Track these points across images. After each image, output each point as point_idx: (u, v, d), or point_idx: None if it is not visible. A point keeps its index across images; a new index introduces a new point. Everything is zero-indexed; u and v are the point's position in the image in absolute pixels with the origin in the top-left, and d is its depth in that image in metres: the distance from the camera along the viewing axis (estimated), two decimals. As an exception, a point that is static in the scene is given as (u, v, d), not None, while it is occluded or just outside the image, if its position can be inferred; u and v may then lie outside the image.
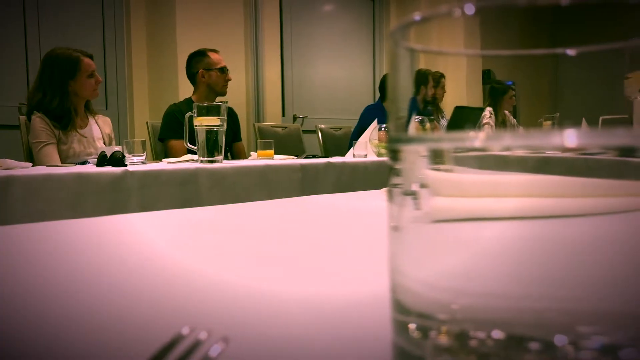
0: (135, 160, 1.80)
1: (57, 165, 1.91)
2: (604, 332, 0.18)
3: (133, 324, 0.29)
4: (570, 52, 0.19)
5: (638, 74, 0.19)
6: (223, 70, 2.71)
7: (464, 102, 0.21)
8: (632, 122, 0.19)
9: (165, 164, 1.86)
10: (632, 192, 0.18)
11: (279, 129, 3.57)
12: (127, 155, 1.78)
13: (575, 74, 0.20)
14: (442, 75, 0.21)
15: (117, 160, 1.70)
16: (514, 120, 0.20)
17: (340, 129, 3.74)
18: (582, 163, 0.19)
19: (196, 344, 0.25)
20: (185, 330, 0.26)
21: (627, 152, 0.18)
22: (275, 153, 2.25)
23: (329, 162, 2.01)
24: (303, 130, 3.79)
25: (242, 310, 0.31)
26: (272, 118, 4.26)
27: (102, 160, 1.72)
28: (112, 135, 2.57)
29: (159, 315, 0.30)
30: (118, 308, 0.32)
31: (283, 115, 4.47)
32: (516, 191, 0.20)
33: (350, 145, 2.62)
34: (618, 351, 0.18)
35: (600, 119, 0.19)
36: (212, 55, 2.71)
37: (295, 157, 2.34)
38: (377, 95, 4.27)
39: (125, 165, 1.67)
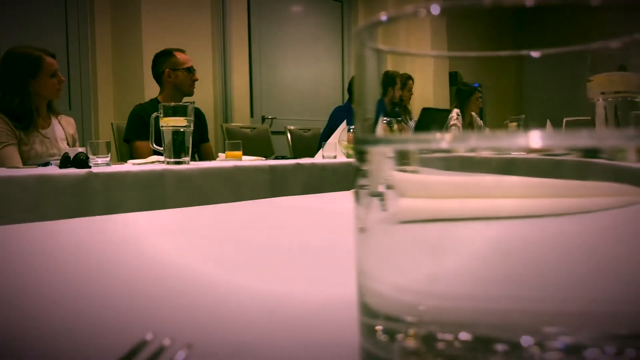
0: (99, 162, 1.76)
1: (18, 167, 1.86)
2: (568, 332, 0.19)
3: (94, 332, 0.28)
4: (535, 54, 0.19)
5: (600, 76, 0.19)
6: (190, 70, 2.68)
7: (431, 104, 0.21)
8: (594, 124, 0.19)
9: (131, 166, 1.83)
10: (595, 193, 0.19)
11: (248, 130, 3.54)
12: (91, 156, 1.74)
13: (540, 76, 0.20)
14: (409, 77, 0.21)
15: (81, 161, 1.66)
16: (480, 122, 0.20)
17: (310, 130, 3.74)
18: (547, 164, 0.19)
19: (160, 351, 0.24)
20: (148, 337, 0.25)
21: (590, 153, 0.18)
22: (244, 154, 2.24)
23: (298, 164, 2.01)
24: (272, 131, 3.77)
25: (207, 316, 0.30)
26: (240, 119, 4.23)
27: (65, 162, 1.68)
28: (76, 136, 2.51)
29: (122, 321, 0.30)
30: (78, 315, 0.31)
31: (251, 116, 4.44)
32: (482, 192, 0.20)
33: (320, 147, 2.62)
34: (583, 351, 0.18)
35: (564, 120, 0.19)
36: (179, 55, 2.68)
37: (263, 158, 2.33)
38: (346, 96, 4.29)
39: (89, 167, 1.63)
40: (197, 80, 2.74)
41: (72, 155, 1.69)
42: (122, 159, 2.65)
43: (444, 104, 0.20)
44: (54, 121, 2.37)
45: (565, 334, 0.19)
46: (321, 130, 3.51)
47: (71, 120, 2.52)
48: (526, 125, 0.19)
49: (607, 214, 0.19)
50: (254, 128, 3.66)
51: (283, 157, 2.42)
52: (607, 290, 0.19)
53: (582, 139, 0.18)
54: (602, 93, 0.19)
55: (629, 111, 0.19)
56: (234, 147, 2.21)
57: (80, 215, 0.73)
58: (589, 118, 0.19)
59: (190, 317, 0.30)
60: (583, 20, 0.19)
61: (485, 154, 0.19)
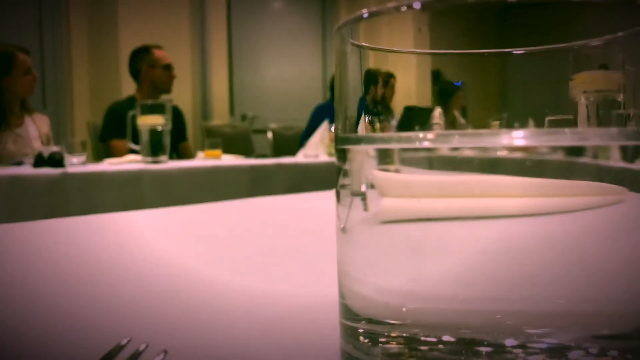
0: (75, 161, 1.73)
1: (-10, 167, 1.81)
2: (552, 333, 0.19)
3: (67, 337, 0.27)
4: (518, 52, 0.19)
5: (582, 75, 0.19)
6: (168, 68, 2.65)
7: (413, 102, 0.21)
8: (576, 123, 0.19)
9: (107, 165, 1.81)
10: (578, 192, 0.19)
11: (228, 128, 3.52)
12: (66, 155, 1.71)
13: (523, 74, 0.20)
14: (391, 75, 0.21)
15: (56, 161, 1.63)
16: (463, 121, 0.19)
17: (291, 128, 3.72)
18: (529, 163, 0.19)
19: (135, 355, 0.23)
20: (124, 341, 0.25)
21: (573, 152, 0.18)
22: (224, 153, 2.22)
23: (279, 163, 2.00)
24: (252, 130, 3.75)
25: (183, 319, 0.29)
26: (220, 117, 4.19)
27: (40, 161, 1.65)
28: (50, 135, 2.45)
29: (98, 325, 0.29)
30: (53, 318, 0.30)
31: (231, 114, 4.41)
32: (465, 192, 0.20)
33: (301, 145, 2.62)
34: (567, 352, 0.18)
35: (547, 119, 0.19)
36: (157, 52, 2.65)
37: (244, 157, 2.32)
38: (328, 94, 4.28)
39: (64, 167, 1.61)
40: (175, 77, 2.71)
41: (46, 154, 1.66)
42: (98, 158, 2.61)
43: (427, 102, 0.20)
44: (28, 120, 2.33)
45: (549, 335, 0.18)
46: (303, 129, 3.50)
47: (45, 118, 2.47)
48: (509, 124, 0.19)
49: (590, 213, 0.19)
50: (234, 126, 3.63)
51: (264, 156, 2.41)
52: (590, 291, 0.19)
53: (565, 138, 0.18)
54: (584, 92, 0.19)
55: (611, 110, 0.19)
56: (214, 146, 2.19)
57: (55, 216, 0.71)
58: (572, 117, 0.19)
59: (167, 321, 0.29)
60: (566, 18, 0.19)
61: (468, 153, 0.19)
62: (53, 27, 3.75)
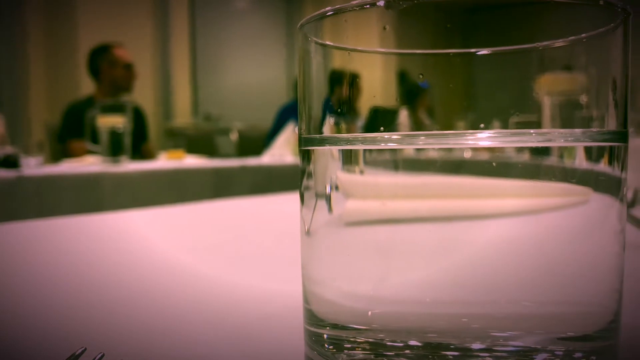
0: (31, 163, 1.67)
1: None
2: (519, 336, 0.18)
3: (22, 347, 0.26)
4: (484, 52, 0.19)
5: (547, 76, 0.19)
6: (129, 67, 2.60)
7: (379, 103, 0.20)
8: (541, 124, 0.19)
9: (65, 167, 1.77)
10: (542, 193, 0.19)
11: (191, 129, 3.47)
12: (22, 157, 1.65)
13: (489, 74, 0.19)
14: (357, 75, 0.20)
15: (11, 162, 1.57)
16: (429, 122, 0.19)
17: (256, 128, 3.69)
18: (495, 164, 0.19)
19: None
20: (78, 351, 0.24)
21: (538, 153, 0.18)
22: (187, 154, 2.19)
23: (243, 164, 1.98)
24: (216, 130, 3.71)
25: (142, 328, 0.28)
26: (183, 117, 4.13)
27: (-7, 163, 1.59)
28: (6, 135, 2.37)
29: (51, 335, 0.27)
30: (4, 328, 0.28)
31: (195, 114, 4.35)
32: (431, 193, 0.20)
33: (267, 146, 2.60)
34: (533, 355, 0.18)
35: (511, 120, 0.19)
36: (117, 51, 2.60)
37: (207, 158, 2.29)
38: (293, 93, 4.26)
39: (20, 168, 1.55)
40: (136, 76, 2.66)
41: (1, 155, 1.60)
42: (56, 159, 2.54)
43: (393, 103, 0.20)
44: (-19, 119, 2.24)
45: (515, 338, 0.18)
46: (268, 129, 3.48)
47: (-1, 118, 2.39)
48: (474, 125, 0.19)
49: (554, 214, 0.19)
50: (198, 126, 3.59)
51: (228, 157, 2.39)
52: (556, 293, 0.19)
53: (530, 138, 0.18)
54: (548, 93, 0.19)
55: (574, 111, 0.19)
56: (176, 147, 2.16)
57: (9, 220, 0.68)
58: (536, 118, 0.19)
59: (124, 329, 0.28)
60: (531, 19, 0.19)
61: (434, 154, 0.19)
62: (7, 25, 3.62)
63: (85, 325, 0.29)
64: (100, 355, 0.23)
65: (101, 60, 2.58)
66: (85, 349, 0.24)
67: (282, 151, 2.41)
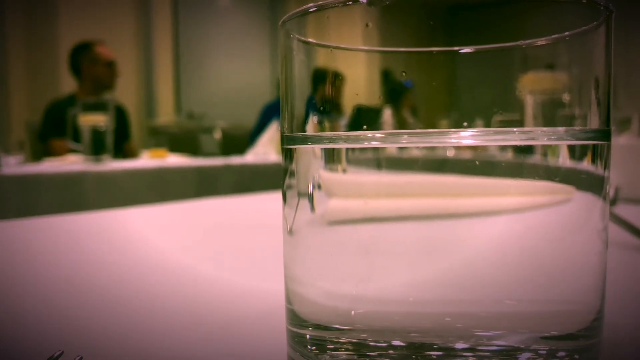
0: (11, 162, 1.65)
1: None
2: (502, 336, 0.18)
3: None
4: (467, 50, 0.19)
5: (529, 75, 0.19)
6: (110, 64, 2.57)
7: (362, 101, 0.20)
8: (523, 123, 0.19)
9: (46, 166, 1.74)
10: (525, 191, 0.19)
11: (173, 127, 3.44)
12: (2, 155, 1.62)
13: (472, 73, 0.19)
14: (340, 73, 0.20)
15: (-11, 161, 1.54)
16: (412, 120, 0.19)
17: (240, 127, 3.67)
18: (478, 162, 0.18)
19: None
20: (56, 354, 0.23)
21: (521, 151, 0.18)
22: (169, 152, 2.17)
23: (227, 163, 1.97)
24: (199, 129, 3.68)
25: (121, 331, 0.28)
26: (166, 115, 4.09)
27: (-29, 162, 1.55)
28: (-16, 134, 2.34)
29: (28, 338, 0.27)
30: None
31: (178, 112, 4.31)
32: (414, 192, 0.19)
33: (250, 144, 2.59)
34: (517, 354, 0.18)
35: (494, 119, 0.19)
36: (99, 48, 2.57)
37: (190, 157, 2.27)
38: (277, 92, 4.24)
39: (0, 167, 1.53)
40: (118, 74, 2.63)
41: (-21, 154, 1.57)
42: (37, 158, 2.50)
43: (376, 101, 0.19)
44: (-42, 117, 2.20)
45: (499, 338, 0.18)
46: (252, 128, 3.46)
47: (-22, 116, 2.35)
48: (457, 123, 0.19)
49: (538, 213, 0.19)
50: (181, 125, 3.56)
51: (212, 156, 2.37)
52: (539, 291, 0.19)
53: (513, 137, 0.18)
54: (531, 91, 0.19)
55: (557, 110, 0.19)
56: (159, 145, 2.14)
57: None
58: (519, 116, 0.19)
59: (103, 332, 0.27)
60: (514, 17, 0.19)
61: (417, 152, 0.19)
62: (-14, 21, 3.56)
63: (63, 327, 0.28)
64: (78, 358, 0.23)
65: (83, 58, 2.55)
66: (63, 352, 0.24)
67: (266, 150, 2.40)
